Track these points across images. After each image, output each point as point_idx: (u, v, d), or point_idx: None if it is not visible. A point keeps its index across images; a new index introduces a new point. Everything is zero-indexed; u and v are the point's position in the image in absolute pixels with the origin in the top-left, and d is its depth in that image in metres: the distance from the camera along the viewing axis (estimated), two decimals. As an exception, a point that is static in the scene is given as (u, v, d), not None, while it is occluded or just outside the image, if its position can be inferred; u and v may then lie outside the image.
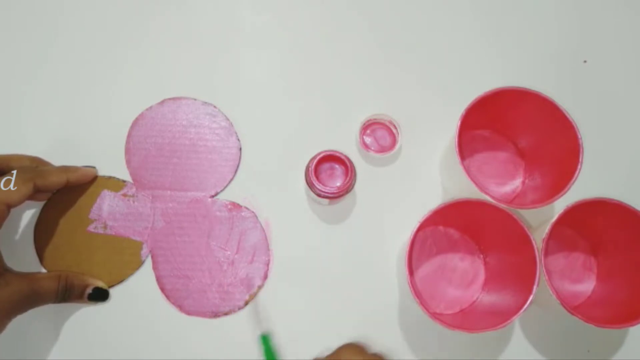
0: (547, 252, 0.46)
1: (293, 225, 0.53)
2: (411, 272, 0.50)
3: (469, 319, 0.50)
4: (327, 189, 0.48)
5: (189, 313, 0.51)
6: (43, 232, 0.51)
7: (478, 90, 0.47)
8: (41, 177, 0.47)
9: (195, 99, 0.55)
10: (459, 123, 0.47)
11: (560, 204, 0.46)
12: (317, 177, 0.48)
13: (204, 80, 0.57)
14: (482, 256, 0.53)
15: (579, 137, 0.46)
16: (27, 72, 0.56)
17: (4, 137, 0.54)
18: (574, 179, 0.45)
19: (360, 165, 0.54)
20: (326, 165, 0.49)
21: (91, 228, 0.52)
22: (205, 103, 0.55)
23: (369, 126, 0.55)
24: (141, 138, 0.54)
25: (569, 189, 0.45)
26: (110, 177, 0.53)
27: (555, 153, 0.50)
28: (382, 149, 0.54)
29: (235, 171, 0.54)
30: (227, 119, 0.55)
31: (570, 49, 0.59)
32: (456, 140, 0.46)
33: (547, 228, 0.46)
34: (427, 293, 0.52)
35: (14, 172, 0.45)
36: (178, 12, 0.59)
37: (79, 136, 0.55)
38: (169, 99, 0.55)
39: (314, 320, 0.51)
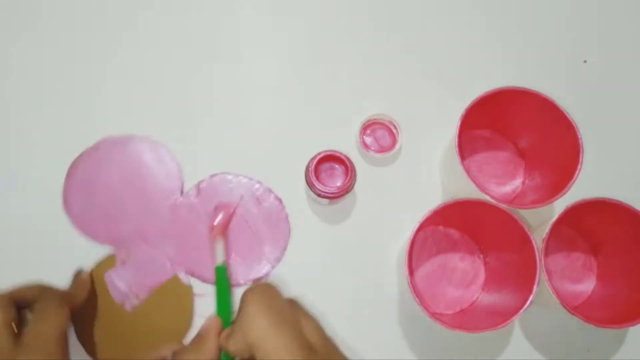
0: (547, 252, 0.45)
1: (293, 225, 0.53)
2: (411, 272, 0.50)
3: (469, 319, 0.50)
4: (327, 189, 0.48)
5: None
6: (86, 337, 0.50)
7: (478, 91, 0.47)
8: (72, 298, 0.47)
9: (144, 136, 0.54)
10: (459, 123, 0.47)
11: (560, 204, 0.46)
12: (317, 177, 0.48)
13: (203, 81, 0.57)
14: (482, 256, 0.53)
15: (579, 137, 0.46)
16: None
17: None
18: (574, 179, 0.45)
19: (360, 165, 0.54)
20: (326, 165, 0.49)
21: (127, 307, 0.51)
22: (157, 144, 0.54)
23: (369, 126, 0.55)
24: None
25: (569, 189, 0.45)
26: (98, 263, 0.51)
27: (555, 153, 0.50)
28: (382, 149, 0.54)
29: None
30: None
31: (570, 49, 0.59)
32: (456, 140, 0.46)
33: (547, 228, 0.46)
34: (427, 293, 0.52)
35: (40, 302, 0.43)
36: (167, 8, 0.59)
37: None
38: (103, 140, 0.54)
39: (314, 320, 0.51)
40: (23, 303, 0.43)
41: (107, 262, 0.51)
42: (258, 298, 0.37)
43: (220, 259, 0.50)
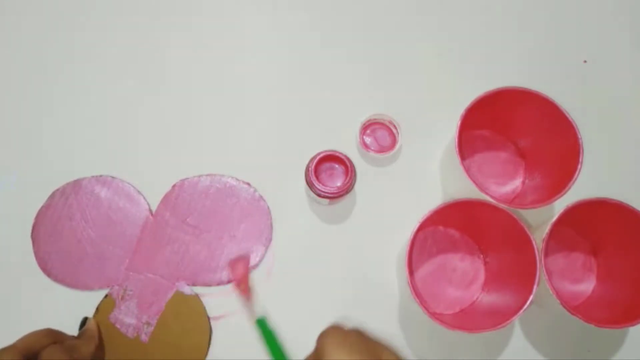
0: (547, 252, 0.45)
1: (293, 225, 0.53)
2: (411, 272, 0.50)
3: (469, 319, 0.50)
4: (327, 189, 0.48)
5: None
6: None
7: (478, 90, 0.47)
8: (81, 348, 0.45)
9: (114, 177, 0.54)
10: (459, 123, 0.47)
11: (560, 204, 0.46)
12: (317, 177, 0.48)
13: (202, 81, 0.57)
14: (482, 256, 0.53)
15: (579, 137, 0.46)
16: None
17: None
18: (574, 179, 0.45)
19: (360, 165, 0.54)
20: (326, 165, 0.49)
21: (144, 337, 0.50)
22: (104, 178, 0.54)
23: (369, 126, 0.55)
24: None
25: (569, 189, 0.45)
26: (97, 309, 0.51)
27: (555, 153, 0.50)
28: (382, 149, 0.54)
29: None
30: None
31: (570, 49, 0.59)
32: (456, 140, 0.46)
33: (547, 228, 0.46)
34: (427, 293, 0.51)
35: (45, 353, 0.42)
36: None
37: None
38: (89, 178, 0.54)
39: (314, 320, 0.51)
40: (32, 354, 0.42)
41: (106, 305, 0.51)
42: (332, 337, 0.37)
43: (257, 312, 0.48)
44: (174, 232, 0.52)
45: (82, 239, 0.52)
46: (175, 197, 0.53)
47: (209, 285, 0.51)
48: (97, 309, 0.51)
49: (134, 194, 0.53)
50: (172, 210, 0.53)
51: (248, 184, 0.53)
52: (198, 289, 0.51)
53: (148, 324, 0.50)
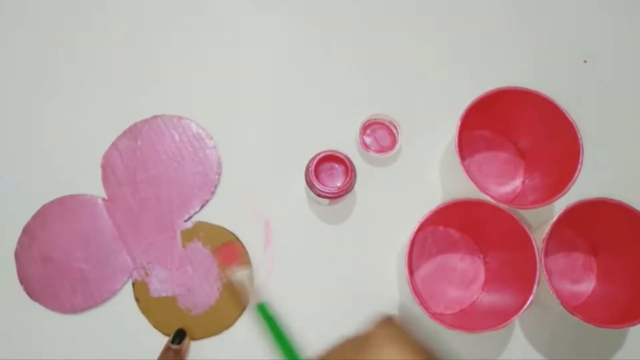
0: (547, 252, 0.45)
1: (293, 225, 0.53)
2: (411, 272, 0.50)
3: (469, 319, 0.50)
4: (327, 189, 0.48)
5: None
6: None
7: (478, 90, 0.47)
8: None
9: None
10: (459, 123, 0.47)
11: (560, 204, 0.46)
12: (317, 177, 0.48)
13: (201, 81, 0.57)
14: (482, 256, 0.53)
15: (579, 137, 0.46)
16: None
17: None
18: (574, 179, 0.45)
19: (360, 165, 0.54)
20: (326, 165, 0.49)
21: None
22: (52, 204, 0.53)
23: (369, 126, 0.55)
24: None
25: (569, 189, 0.45)
26: (134, 297, 0.51)
27: (555, 153, 0.50)
28: (382, 149, 0.54)
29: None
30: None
31: (570, 49, 0.59)
32: (456, 140, 0.46)
33: (547, 228, 0.46)
34: (427, 293, 0.51)
35: None
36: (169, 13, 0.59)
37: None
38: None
39: (314, 320, 0.51)
40: None
41: (140, 289, 0.52)
42: (388, 329, 0.38)
43: (257, 296, 0.46)
44: (137, 196, 0.53)
45: (73, 263, 0.52)
46: (111, 172, 0.54)
47: (199, 209, 0.53)
48: (136, 298, 0.52)
49: (78, 198, 0.53)
50: (119, 183, 0.53)
51: (155, 116, 0.55)
52: (196, 218, 0.53)
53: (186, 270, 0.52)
